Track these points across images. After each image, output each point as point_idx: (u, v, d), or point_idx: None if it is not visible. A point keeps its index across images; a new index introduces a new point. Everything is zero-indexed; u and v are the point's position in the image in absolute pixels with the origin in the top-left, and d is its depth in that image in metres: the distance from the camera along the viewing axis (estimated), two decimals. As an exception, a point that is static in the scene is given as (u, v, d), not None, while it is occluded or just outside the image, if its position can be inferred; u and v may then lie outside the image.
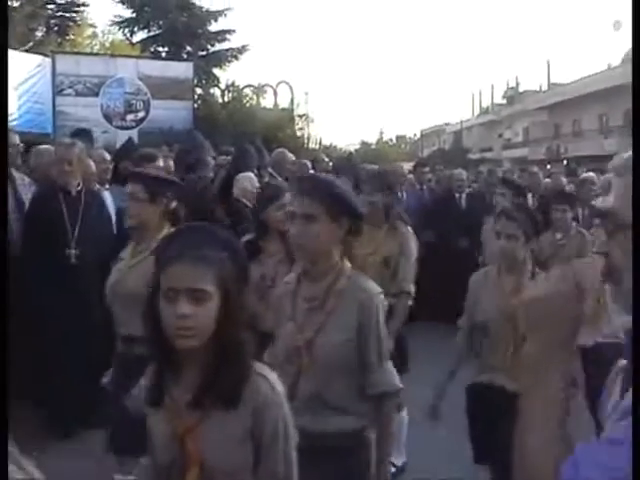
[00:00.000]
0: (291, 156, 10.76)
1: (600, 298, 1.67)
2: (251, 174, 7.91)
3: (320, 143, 30.88)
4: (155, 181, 4.51)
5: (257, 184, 7.74)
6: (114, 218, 7.11)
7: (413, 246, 5.89)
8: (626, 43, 48.18)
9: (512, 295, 4.30)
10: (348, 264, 3.34)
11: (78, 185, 6.61)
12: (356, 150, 65.55)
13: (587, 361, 3.12)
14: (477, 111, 73.42)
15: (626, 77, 40.43)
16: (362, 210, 3.39)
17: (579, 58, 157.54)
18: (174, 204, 4.48)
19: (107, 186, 7.74)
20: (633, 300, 1.48)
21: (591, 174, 10.82)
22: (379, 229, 5.76)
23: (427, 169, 12.66)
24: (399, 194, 11.26)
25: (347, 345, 3.22)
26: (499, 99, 69.13)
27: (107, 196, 7.56)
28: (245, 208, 7.39)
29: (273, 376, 2.48)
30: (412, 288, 5.77)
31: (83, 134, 9.45)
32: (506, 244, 4.58)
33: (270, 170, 9.48)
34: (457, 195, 11.54)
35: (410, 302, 5.75)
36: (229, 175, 8.37)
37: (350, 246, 3.37)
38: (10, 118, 15.17)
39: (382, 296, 3.38)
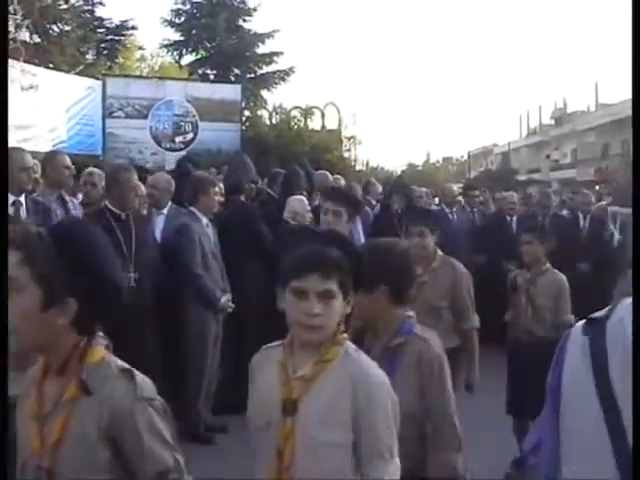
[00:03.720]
0: (335, 178, 10.71)
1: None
2: (302, 197, 7.85)
3: (367, 165, 30.81)
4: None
5: (308, 207, 7.69)
6: (165, 239, 7.25)
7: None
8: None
9: None
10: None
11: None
12: (403, 172, 65.41)
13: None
14: (525, 132, 72.96)
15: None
16: None
17: (627, 79, 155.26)
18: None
19: (164, 210, 7.71)
20: (633, 300, 1.58)
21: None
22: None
23: (477, 192, 12.49)
24: (450, 215, 11.17)
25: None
26: (547, 120, 68.64)
27: (159, 220, 7.57)
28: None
29: None
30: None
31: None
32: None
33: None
34: (508, 218, 11.38)
35: None
36: (279, 197, 8.33)
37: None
38: (59, 140, 15.35)
39: None
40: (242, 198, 8.33)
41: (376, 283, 3.39)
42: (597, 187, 30.15)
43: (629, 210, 7.21)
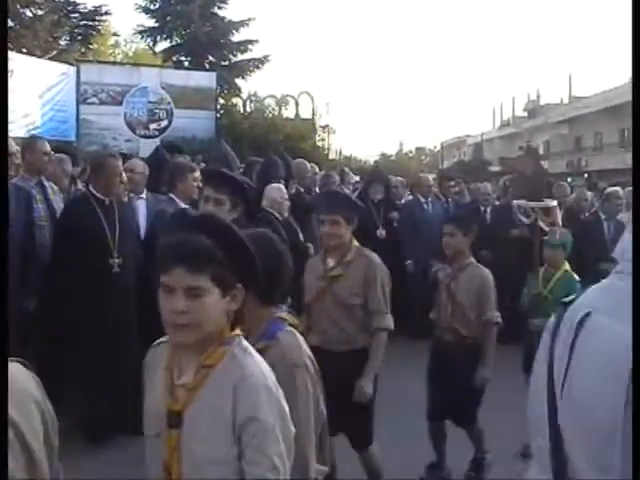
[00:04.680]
0: (311, 166, 10.71)
1: None
2: (280, 185, 7.85)
3: (340, 154, 30.89)
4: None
5: (286, 195, 7.69)
6: (145, 226, 7.25)
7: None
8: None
9: None
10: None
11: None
12: (375, 161, 65.54)
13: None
14: (498, 123, 73.17)
15: (649, 91, 40.29)
16: None
17: (601, 71, 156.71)
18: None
19: (143, 195, 7.73)
20: (633, 300, 1.56)
21: (616, 188, 10.71)
22: None
23: (452, 182, 12.54)
24: (425, 205, 11.21)
25: None
26: (520, 112, 68.86)
27: (140, 205, 7.58)
28: (275, 219, 7.33)
29: None
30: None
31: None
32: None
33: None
34: (482, 208, 11.45)
35: None
36: (256, 186, 8.31)
37: None
38: (33, 126, 15.23)
39: None
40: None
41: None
42: (569, 179, 30.40)
43: (535, 203, 7.17)
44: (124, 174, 6.83)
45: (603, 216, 10.13)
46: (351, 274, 5.10)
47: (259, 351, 2.83)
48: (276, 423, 2.41)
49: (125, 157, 8.40)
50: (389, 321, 5.14)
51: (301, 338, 3.20)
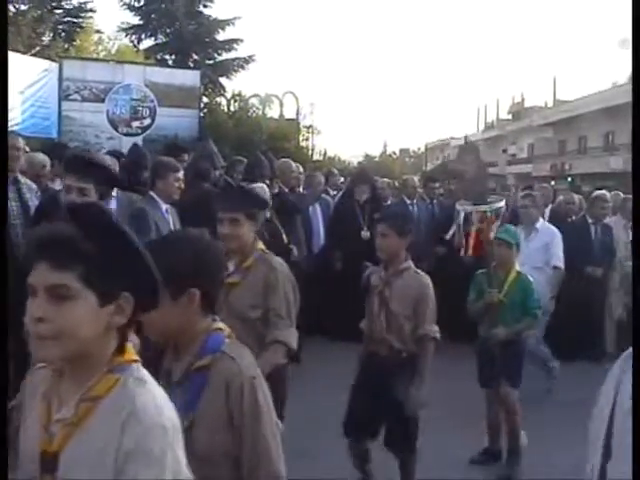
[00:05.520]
0: (297, 166, 10.60)
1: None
2: (264, 185, 7.72)
3: (325, 155, 30.84)
4: None
5: (269, 195, 7.56)
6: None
7: None
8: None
9: None
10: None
11: None
12: (359, 162, 65.60)
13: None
14: (482, 126, 73.38)
15: (633, 95, 40.41)
16: None
17: (585, 75, 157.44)
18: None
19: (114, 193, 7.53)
20: (633, 299, 1.68)
21: (603, 192, 10.67)
22: None
23: (437, 184, 12.46)
24: (410, 207, 11.12)
25: None
26: (504, 114, 69.07)
27: (112, 204, 7.38)
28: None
29: None
30: None
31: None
32: None
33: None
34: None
35: None
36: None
37: None
38: (15, 122, 15.02)
39: None
40: (207, 185, 8.15)
41: (183, 286, 2.64)
42: (552, 182, 30.37)
43: (474, 207, 6.64)
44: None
45: (590, 220, 10.05)
46: (250, 282, 4.53)
47: (202, 368, 2.65)
48: (167, 469, 1.97)
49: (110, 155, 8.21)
50: (290, 337, 4.51)
51: (244, 346, 2.90)
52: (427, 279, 5.37)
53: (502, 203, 7.13)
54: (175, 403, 2.14)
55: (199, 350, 2.70)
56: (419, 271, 5.44)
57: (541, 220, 9.07)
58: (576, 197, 11.70)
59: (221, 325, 2.82)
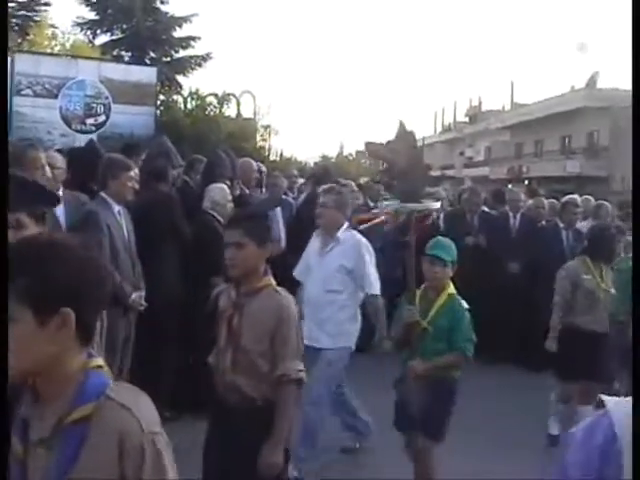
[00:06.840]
0: (258, 166, 10.30)
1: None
2: (223, 185, 7.39)
3: (281, 155, 30.70)
4: None
5: (229, 196, 7.24)
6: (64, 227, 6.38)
7: None
8: (591, 65, 48.70)
9: None
10: None
11: None
12: (316, 163, 65.47)
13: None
14: (439, 128, 73.70)
15: (590, 100, 40.86)
16: None
17: (543, 79, 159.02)
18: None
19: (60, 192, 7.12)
20: (633, 299, 1.60)
21: (574, 196, 10.54)
22: None
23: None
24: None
25: None
26: (462, 117, 69.44)
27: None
28: (216, 222, 6.89)
29: None
30: None
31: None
32: None
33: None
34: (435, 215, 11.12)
35: None
36: (200, 185, 7.84)
37: None
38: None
39: None
40: (163, 186, 7.75)
41: (53, 305, 1.93)
42: (509, 185, 30.36)
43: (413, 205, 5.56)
44: (48, 169, 6.22)
45: (561, 225, 9.90)
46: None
47: (84, 419, 1.95)
48: None
49: (60, 152, 7.79)
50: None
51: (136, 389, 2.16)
52: (290, 301, 4.25)
53: (438, 204, 6.31)
54: (36, 471, 1.88)
55: (75, 395, 1.99)
56: (281, 290, 4.28)
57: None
58: (546, 202, 11.49)
59: (100, 362, 2.10)
